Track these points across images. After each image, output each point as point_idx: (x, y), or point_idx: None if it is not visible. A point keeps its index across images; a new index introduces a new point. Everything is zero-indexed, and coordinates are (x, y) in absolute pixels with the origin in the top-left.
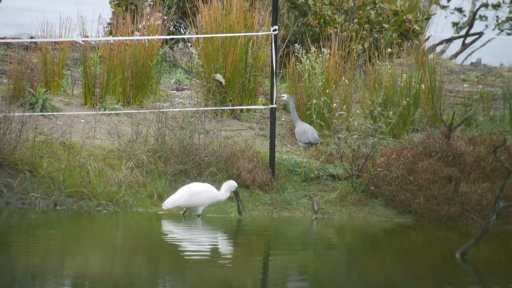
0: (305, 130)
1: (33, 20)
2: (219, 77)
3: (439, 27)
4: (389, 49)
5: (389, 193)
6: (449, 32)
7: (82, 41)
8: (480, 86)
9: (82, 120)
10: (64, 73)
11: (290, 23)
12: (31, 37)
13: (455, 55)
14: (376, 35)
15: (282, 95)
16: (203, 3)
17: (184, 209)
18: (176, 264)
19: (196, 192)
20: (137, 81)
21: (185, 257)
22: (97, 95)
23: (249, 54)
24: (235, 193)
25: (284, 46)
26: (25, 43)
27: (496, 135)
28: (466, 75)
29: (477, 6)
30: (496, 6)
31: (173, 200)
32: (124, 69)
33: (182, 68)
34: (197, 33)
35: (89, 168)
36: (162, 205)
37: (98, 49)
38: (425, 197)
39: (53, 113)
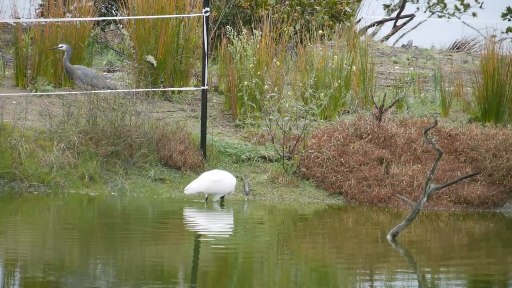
0: (86, 73)
1: None
2: (150, 58)
3: (371, 9)
4: (320, 31)
5: (320, 174)
6: (381, 14)
7: (14, 22)
8: (411, 68)
9: (14, 102)
10: None
11: (222, 4)
12: None
13: (387, 37)
14: (307, 17)
15: (61, 45)
16: None
17: (206, 195)
18: (108, 245)
19: (219, 180)
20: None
21: (118, 237)
22: (28, 77)
23: (181, 35)
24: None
25: (215, 28)
26: None
27: (427, 117)
28: (398, 57)
29: None
30: None
31: (195, 186)
32: (55, 50)
33: (113, 50)
34: (128, 15)
35: (21, 150)
36: (184, 190)
37: (29, 30)
38: (356, 178)
39: None
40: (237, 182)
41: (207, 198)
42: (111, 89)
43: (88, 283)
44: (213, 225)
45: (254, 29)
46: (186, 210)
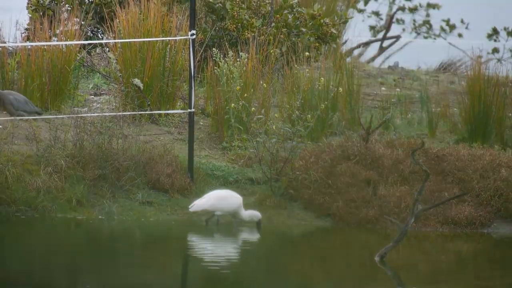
0: (18, 99)
1: None
2: (137, 81)
3: (357, 31)
4: (307, 53)
5: (308, 196)
6: (367, 36)
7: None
8: (398, 89)
9: (0, 126)
10: None
11: (208, 27)
12: None
13: (373, 59)
14: (294, 39)
15: None
16: (121, 8)
17: (212, 215)
18: (98, 270)
19: (224, 197)
20: (55, 86)
21: (104, 260)
22: None
23: (167, 58)
24: (258, 223)
25: (202, 51)
26: None
27: (414, 138)
28: (384, 78)
29: (394, 10)
30: (413, 10)
31: (200, 203)
32: (42, 74)
33: (100, 73)
34: (114, 38)
35: (7, 174)
36: (189, 207)
37: (15, 54)
38: (344, 200)
39: None
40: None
41: (207, 221)
42: (39, 114)
43: None
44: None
45: (241, 52)
46: (169, 234)
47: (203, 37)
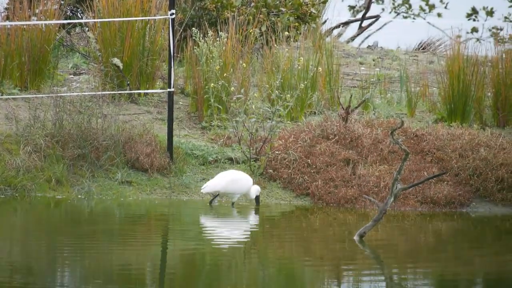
0: None
1: None
2: (116, 61)
3: (336, 11)
4: (286, 33)
5: (287, 176)
6: (346, 16)
7: None
8: (377, 69)
9: None
10: None
11: (187, 7)
12: None
13: (352, 38)
14: (273, 18)
15: None
16: None
17: (216, 196)
18: (75, 249)
19: (236, 180)
20: (35, 65)
21: (84, 240)
22: None
23: (147, 38)
24: (257, 198)
25: (181, 30)
26: None
27: (393, 118)
28: (363, 58)
29: None
30: None
31: (212, 185)
32: (21, 54)
33: (79, 53)
34: (94, 18)
35: None
36: (201, 188)
37: None
38: (323, 179)
39: None
40: (202, 184)
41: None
42: None
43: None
44: (178, 225)
45: (220, 31)
46: (149, 214)
47: (183, 17)
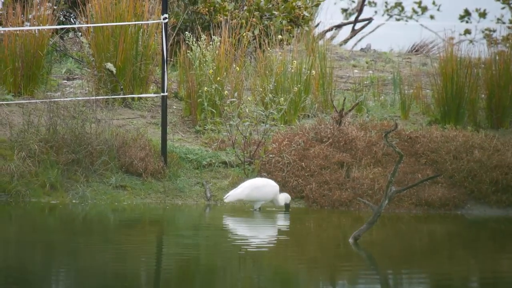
0: None
1: None
2: (110, 66)
3: (329, 14)
4: (279, 36)
5: (282, 179)
6: (339, 18)
7: None
8: (370, 72)
9: None
10: None
11: (180, 11)
12: None
13: (345, 41)
14: (266, 22)
15: None
16: None
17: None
18: (72, 255)
19: (259, 187)
20: (28, 71)
21: (78, 246)
22: None
23: (140, 42)
24: (287, 205)
25: (174, 34)
26: None
27: (387, 120)
28: (356, 60)
29: None
30: None
31: (235, 194)
32: (14, 59)
33: (73, 58)
34: (87, 23)
35: None
36: (224, 198)
37: None
38: (317, 182)
39: None
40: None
41: (255, 208)
42: None
43: None
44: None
45: (213, 35)
46: (143, 218)
47: (176, 21)
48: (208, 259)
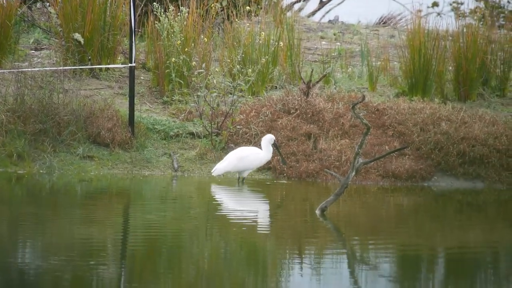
0: None
1: None
2: (78, 36)
3: None
4: (247, 7)
5: None
6: None
7: None
8: (338, 44)
9: None
10: None
11: None
12: None
13: (313, 13)
14: None
15: None
16: None
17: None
18: (41, 226)
19: (243, 157)
20: None
21: (45, 218)
22: None
23: (108, 13)
24: (275, 145)
25: (142, 5)
26: None
27: (354, 92)
28: (324, 32)
29: None
30: None
31: (222, 167)
32: None
33: (40, 28)
34: None
35: None
36: (212, 171)
37: None
38: (284, 153)
39: None
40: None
41: (239, 178)
42: None
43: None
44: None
45: (181, 6)
46: (110, 189)
47: None
48: (174, 227)
